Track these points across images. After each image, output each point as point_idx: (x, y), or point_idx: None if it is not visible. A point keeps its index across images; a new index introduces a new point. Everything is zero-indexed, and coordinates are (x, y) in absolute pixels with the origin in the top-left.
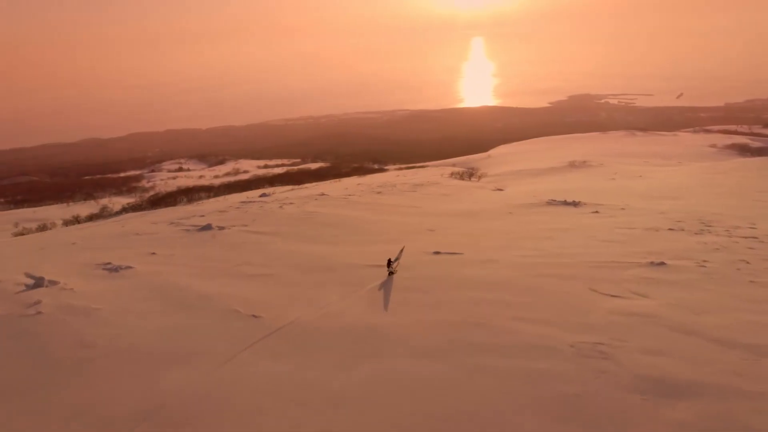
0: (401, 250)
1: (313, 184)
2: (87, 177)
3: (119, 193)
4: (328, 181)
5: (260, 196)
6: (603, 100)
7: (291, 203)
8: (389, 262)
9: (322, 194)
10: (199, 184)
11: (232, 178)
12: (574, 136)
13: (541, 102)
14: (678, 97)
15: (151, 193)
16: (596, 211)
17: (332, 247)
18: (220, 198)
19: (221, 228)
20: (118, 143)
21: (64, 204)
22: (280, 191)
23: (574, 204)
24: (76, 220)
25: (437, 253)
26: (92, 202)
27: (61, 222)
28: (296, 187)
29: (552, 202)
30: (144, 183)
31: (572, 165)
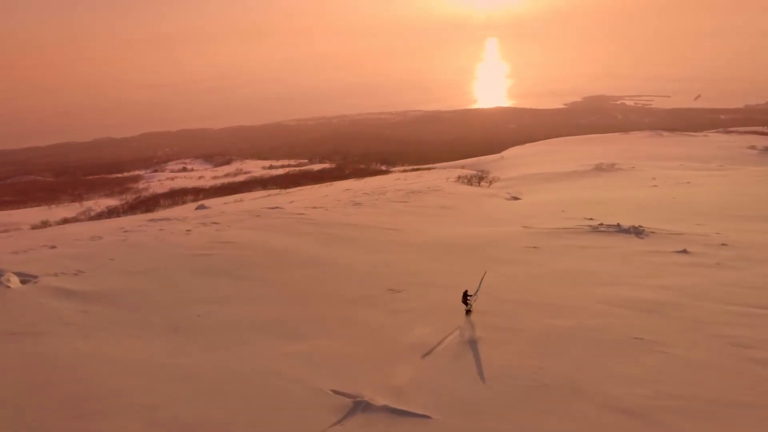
0: (482, 279)
1: (298, 188)
2: (89, 177)
3: (111, 194)
4: (317, 185)
5: (197, 208)
6: (619, 102)
7: (214, 224)
8: (465, 297)
9: (277, 207)
10: (189, 186)
11: (226, 180)
12: (593, 137)
13: (556, 103)
14: (696, 98)
15: (144, 194)
16: (684, 251)
17: (163, 345)
18: (168, 210)
19: (25, 280)
20: (130, 143)
21: (47, 206)
22: (249, 198)
23: (637, 232)
24: (44, 225)
25: (363, 408)
26: (77, 204)
27: (28, 227)
28: (273, 192)
29: (599, 228)
30: (141, 184)
31: (599, 168)
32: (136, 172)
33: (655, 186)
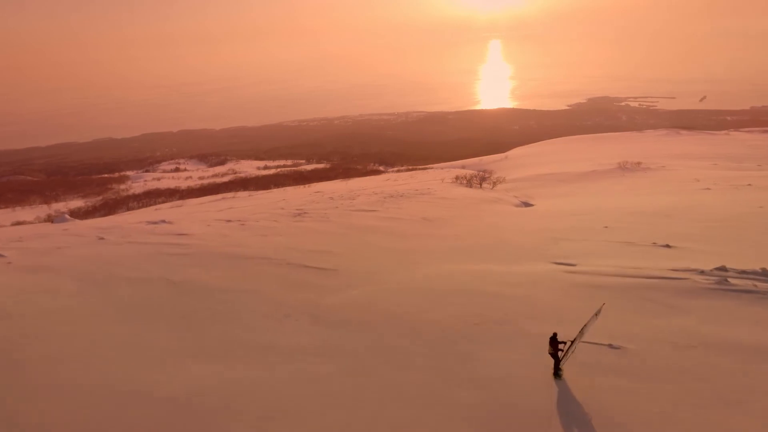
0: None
1: (268, 191)
2: (77, 177)
3: (89, 194)
4: (292, 187)
5: (54, 220)
6: (623, 103)
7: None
8: (554, 344)
9: (162, 222)
10: (164, 188)
11: (206, 181)
12: (604, 136)
13: (560, 104)
14: (701, 100)
15: (122, 194)
16: None
17: None
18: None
19: None
20: (131, 143)
21: (12, 208)
22: (196, 203)
23: None
24: None
25: None
26: (45, 206)
27: None
28: (228, 196)
29: (725, 281)
30: (124, 185)
31: (622, 167)
32: (126, 173)
33: (708, 189)
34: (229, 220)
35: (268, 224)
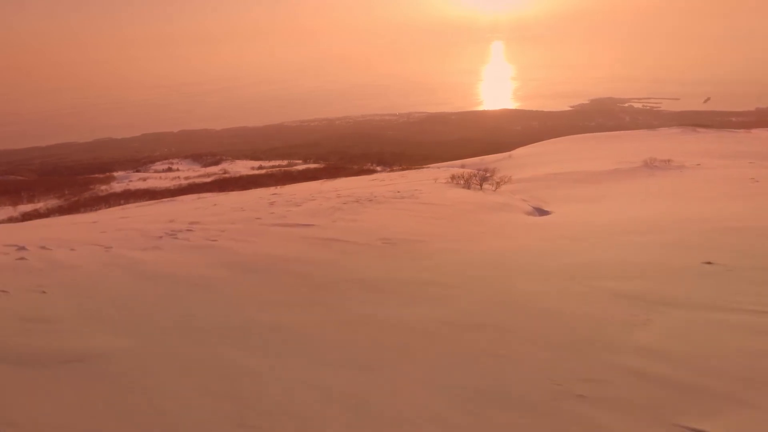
0: None
1: (227, 194)
2: (64, 177)
3: (69, 195)
4: (260, 189)
5: None
6: (627, 104)
7: None
8: None
9: None
10: (135, 188)
11: (186, 182)
12: (616, 134)
13: (562, 105)
14: (705, 101)
15: (99, 195)
16: None
17: None
18: None
19: None
20: (131, 143)
21: None
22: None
23: None
24: None
25: None
26: (10, 207)
27: None
28: (155, 201)
29: None
30: (105, 185)
31: (649, 165)
32: (116, 173)
33: None
34: (43, 247)
35: (81, 253)
